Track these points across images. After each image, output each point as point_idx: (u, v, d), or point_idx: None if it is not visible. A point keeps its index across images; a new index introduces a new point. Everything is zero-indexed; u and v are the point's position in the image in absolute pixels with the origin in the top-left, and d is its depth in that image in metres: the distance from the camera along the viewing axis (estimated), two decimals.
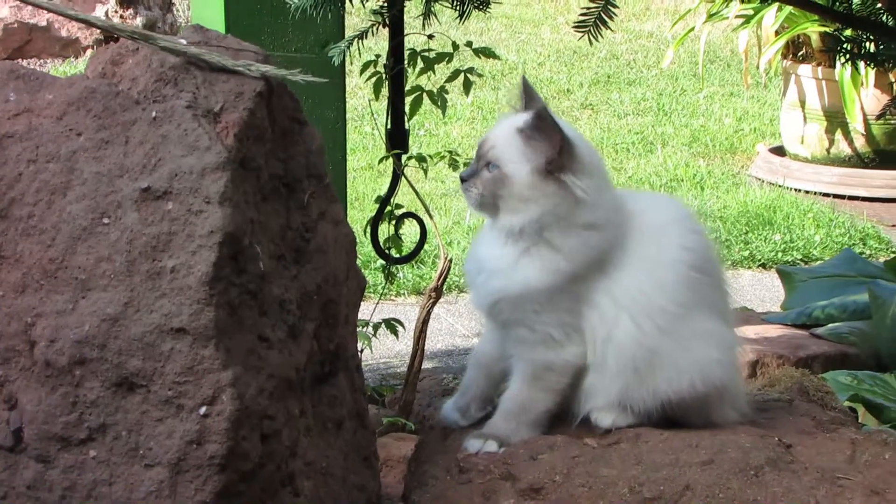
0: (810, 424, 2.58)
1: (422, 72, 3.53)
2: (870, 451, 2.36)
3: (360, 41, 3.11)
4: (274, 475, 2.04)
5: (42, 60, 8.51)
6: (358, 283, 2.35)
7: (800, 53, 7.10)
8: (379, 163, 3.93)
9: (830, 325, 4.02)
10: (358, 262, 2.37)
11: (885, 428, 2.96)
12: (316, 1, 2.98)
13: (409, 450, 2.64)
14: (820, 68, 6.92)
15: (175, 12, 8.94)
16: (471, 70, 3.54)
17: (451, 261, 3.37)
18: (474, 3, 3.04)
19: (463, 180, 2.41)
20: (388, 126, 3.54)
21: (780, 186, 6.88)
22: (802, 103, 7.02)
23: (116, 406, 1.96)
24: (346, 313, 2.29)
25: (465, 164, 3.53)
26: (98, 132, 2.03)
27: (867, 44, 3.37)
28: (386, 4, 3.29)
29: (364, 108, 7.47)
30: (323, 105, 3.71)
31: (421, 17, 3.12)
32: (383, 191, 3.67)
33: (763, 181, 7.02)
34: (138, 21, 8.43)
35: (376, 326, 3.68)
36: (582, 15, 2.89)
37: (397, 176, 3.55)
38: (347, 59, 3.18)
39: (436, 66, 3.52)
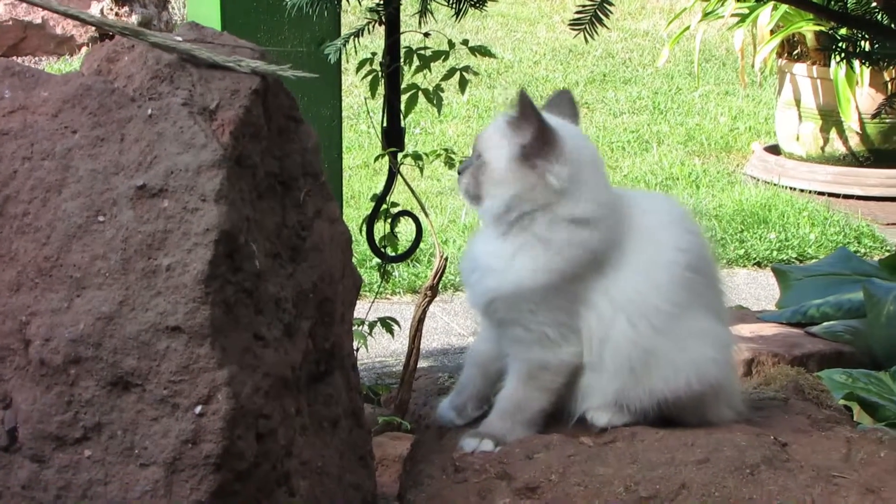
0: (806, 423, 2.58)
1: (418, 70, 3.52)
2: (865, 450, 2.36)
3: (356, 39, 3.11)
4: (269, 474, 2.03)
5: (37, 58, 8.50)
6: (354, 281, 2.34)
7: (795, 52, 7.10)
8: (375, 161, 3.93)
9: (825, 324, 4.02)
10: (354, 260, 2.37)
11: (880, 426, 2.97)
12: None
13: (404, 449, 2.64)
14: (815, 67, 6.93)
15: (170, 10, 8.92)
16: (467, 68, 3.54)
17: (446, 259, 3.37)
18: (470, 1, 3.04)
19: (459, 174, 2.47)
20: (384, 124, 3.53)
21: (775, 185, 6.89)
22: (797, 102, 7.03)
23: (111, 405, 1.96)
24: (341, 312, 2.28)
25: (460, 163, 3.53)
26: (93, 129, 2.03)
27: (862, 42, 3.37)
28: (382, 2, 3.28)
29: (360, 106, 7.46)
30: (319, 103, 3.71)
31: (417, 15, 3.11)
32: (379, 189, 3.66)
33: (758, 180, 7.03)
34: (133, 19, 8.41)
35: (372, 325, 3.68)
36: (577, 13, 2.89)
37: (393, 174, 3.54)
38: (343, 56, 3.18)
39: (432, 64, 3.52)
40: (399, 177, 3.51)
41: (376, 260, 3.80)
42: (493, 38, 9.48)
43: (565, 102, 2.50)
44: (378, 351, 4.52)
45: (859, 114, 6.81)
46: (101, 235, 1.98)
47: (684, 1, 7.80)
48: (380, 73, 3.48)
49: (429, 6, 3.06)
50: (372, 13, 3.23)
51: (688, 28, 7.38)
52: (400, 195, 3.65)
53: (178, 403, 1.95)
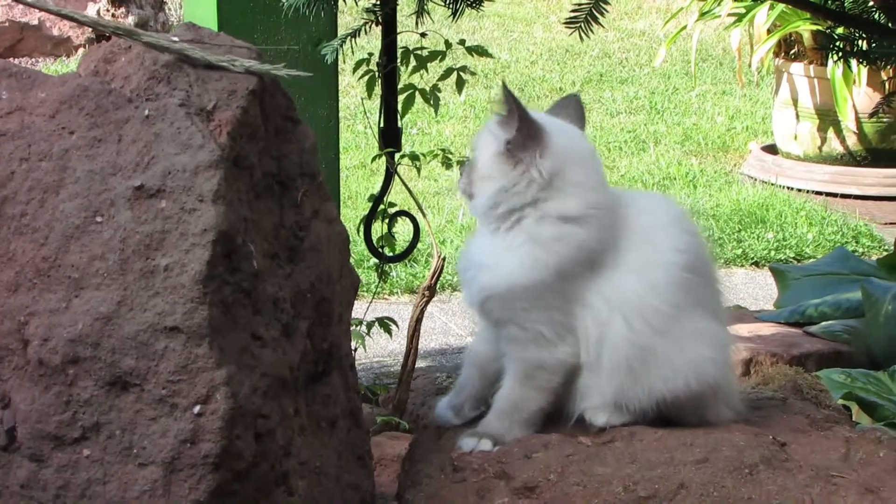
0: (804, 422, 2.58)
1: (414, 70, 3.52)
2: (864, 449, 2.36)
3: (353, 39, 3.11)
4: (268, 474, 2.03)
5: (34, 59, 8.49)
6: (351, 281, 2.34)
7: (792, 52, 7.11)
8: (372, 161, 3.93)
9: (824, 323, 4.02)
10: (351, 260, 2.37)
11: (878, 426, 2.97)
12: None
13: (403, 449, 2.64)
14: (812, 66, 6.93)
15: (167, 11, 8.92)
16: (463, 68, 3.54)
17: (444, 259, 3.37)
18: (467, 1, 3.04)
19: (461, 174, 2.49)
20: (381, 124, 3.53)
21: (772, 185, 6.89)
22: (795, 101, 7.03)
23: (110, 405, 1.96)
24: (339, 312, 2.28)
25: (457, 163, 3.54)
26: (91, 130, 2.03)
27: (859, 42, 3.37)
28: (378, 3, 3.28)
29: (357, 107, 7.46)
30: (316, 103, 3.70)
31: (414, 16, 3.11)
32: (376, 189, 3.66)
33: (755, 179, 7.03)
34: (130, 20, 8.41)
35: (370, 325, 3.68)
36: (573, 11, 2.89)
37: (390, 174, 3.54)
38: (340, 57, 3.18)
39: (428, 64, 3.52)
40: (396, 177, 3.51)
41: (374, 260, 3.80)
42: (489, 39, 9.49)
43: (572, 106, 2.50)
44: (376, 351, 4.52)
45: (856, 113, 6.82)
46: (99, 236, 1.98)
47: (681, 0, 7.80)
48: (376, 74, 3.48)
49: (425, 6, 3.06)
50: (369, 13, 3.22)
51: (684, 28, 7.39)
52: (397, 195, 3.65)
53: (176, 403, 1.94)
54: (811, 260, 5.64)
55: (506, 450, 2.35)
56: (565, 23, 2.91)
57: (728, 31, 7.47)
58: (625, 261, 2.37)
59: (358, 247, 4.10)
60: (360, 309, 3.37)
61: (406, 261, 4.84)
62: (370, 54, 3.50)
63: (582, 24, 2.87)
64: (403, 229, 3.94)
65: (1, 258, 2.00)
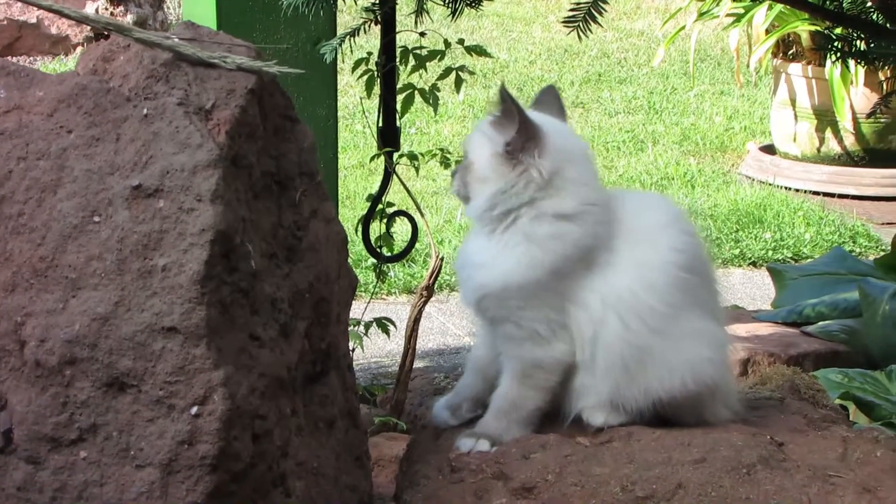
0: (802, 422, 2.58)
1: (413, 69, 3.52)
2: (861, 449, 2.36)
3: (352, 39, 3.10)
4: (265, 475, 2.03)
5: (32, 58, 8.49)
6: (349, 281, 2.34)
7: (790, 52, 7.11)
8: (370, 161, 3.93)
9: (821, 323, 4.02)
10: (349, 260, 2.36)
11: (876, 426, 2.97)
12: None
13: (400, 449, 2.63)
14: (810, 67, 6.94)
15: (166, 9, 8.92)
16: (462, 68, 3.54)
17: (442, 259, 3.36)
18: (466, 0, 3.04)
19: (451, 177, 2.49)
20: (380, 124, 3.53)
21: (770, 185, 6.89)
22: (793, 102, 7.04)
23: (107, 406, 1.95)
24: (337, 312, 2.28)
25: (456, 162, 3.53)
26: (89, 129, 2.02)
27: (857, 42, 3.37)
28: (378, 2, 3.28)
29: (355, 106, 7.46)
30: (314, 103, 3.70)
31: (413, 15, 3.11)
32: (374, 189, 3.66)
33: (753, 179, 7.04)
34: (129, 18, 8.40)
35: (368, 325, 3.67)
36: (571, 10, 2.89)
37: (389, 174, 3.54)
38: (339, 56, 3.17)
39: (427, 63, 3.51)
40: (395, 177, 3.51)
41: (372, 260, 3.79)
42: (488, 38, 9.48)
43: (551, 99, 2.51)
44: (374, 351, 4.51)
45: (854, 113, 6.82)
46: (97, 236, 1.97)
47: (679, 1, 7.80)
48: (375, 73, 3.48)
49: (425, 6, 3.06)
50: (368, 13, 3.22)
51: (683, 28, 7.39)
52: (395, 195, 3.65)
53: (173, 404, 1.94)
54: (809, 260, 5.65)
55: (504, 450, 2.35)
56: (564, 22, 2.90)
57: (726, 31, 7.47)
58: (621, 259, 2.38)
59: (356, 247, 4.10)
60: (357, 309, 3.36)
61: (404, 261, 4.84)
62: (369, 53, 3.49)
63: (580, 24, 2.87)
64: (402, 229, 3.93)
65: None
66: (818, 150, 7.00)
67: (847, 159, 6.95)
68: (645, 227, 2.42)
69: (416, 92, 3.51)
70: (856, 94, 6.76)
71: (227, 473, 1.95)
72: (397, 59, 3.47)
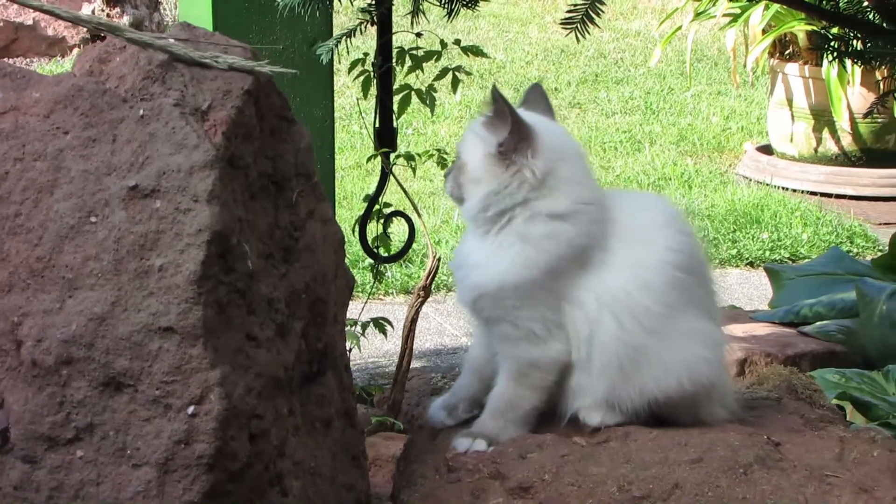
0: (799, 422, 2.58)
1: (410, 70, 3.52)
2: (858, 449, 2.36)
3: (348, 39, 3.10)
4: (262, 475, 2.03)
5: (28, 59, 8.48)
6: (346, 281, 2.34)
7: (787, 52, 7.12)
8: (367, 161, 3.93)
9: (818, 323, 4.03)
10: (346, 260, 2.37)
11: (872, 426, 2.97)
12: None
13: (397, 449, 2.64)
14: (807, 67, 6.94)
15: (162, 11, 8.92)
16: (459, 68, 3.54)
17: (439, 260, 3.37)
18: (462, 1, 3.04)
19: (445, 178, 2.49)
20: (377, 124, 3.53)
21: (767, 185, 6.90)
22: (789, 102, 7.04)
23: (104, 406, 1.96)
24: (334, 312, 2.28)
25: (452, 163, 3.53)
26: (85, 130, 2.02)
27: (854, 42, 3.37)
28: (374, 3, 3.28)
29: (352, 107, 7.46)
30: (311, 103, 3.70)
31: (409, 16, 3.11)
32: (371, 189, 3.66)
33: (750, 180, 7.04)
34: (125, 20, 8.40)
35: (365, 325, 3.68)
36: (569, 12, 2.89)
37: (385, 174, 3.55)
38: (335, 57, 3.18)
39: (424, 64, 3.52)
40: (391, 177, 3.51)
41: (369, 260, 3.80)
42: (485, 39, 9.49)
43: (538, 97, 2.51)
44: (371, 351, 4.52)
45: (851, 113, 6.82)
46: (94, 236, 1.97)
47: (676, 1, 7.81)
48: (372, 74, 3.48)
49: (421, 6, 3.06)
50: (364, 13, 3.22)
51: (679, 28, 7.39)
52: (392, 196, 3.65)
53: (170, 404, 1.94)
54: (806, 260, 5.66)
55: (500, 450, 2.35)
56: (562, 23, 2.90)
57: (723, 31, 7.48)
58: (616, 259, 2.38)
59: (353, 247, 4.10)
60: (355, 309, 3.37)
61: (401, 261, 4.84)
62: (366, 54, 3.50)
63: (578, 25, 2.87)
64: (399, 230, 3.94)
65: None
66: (815, 150, 7.01)
67: (844, 159, 6.96)
68: (642, 227, 2.42)
69: (412, 92, 3.52)
70: (853, 94, 6.77)
71: (223, 473, 1.95)
72: (394, 60, 3.47)
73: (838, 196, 6.78)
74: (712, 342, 2.46)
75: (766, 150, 7.26)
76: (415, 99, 3.53)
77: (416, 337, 3.34)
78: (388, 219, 3.61)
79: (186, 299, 1.94)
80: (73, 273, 1.96)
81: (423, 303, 3.30)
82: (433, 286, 3.49)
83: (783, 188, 6.83)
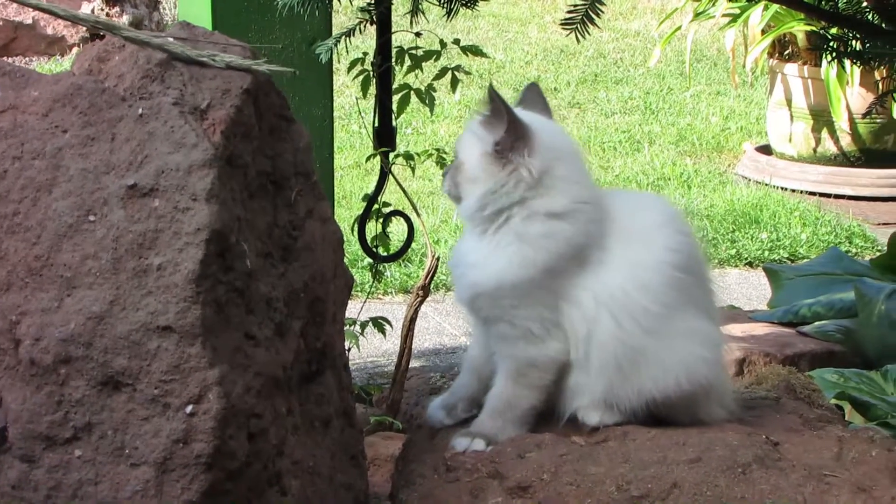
0: (797, 422, 2.58)
1: (409, 70, 3.52)
2: (856, 449, 2.36)
3: (348, 39, 3.10)
4: (261, 474, 2.03)
5: (27, 58, 8.48)
6: (345, 281, 2.34)
7: (786, 52, 7.12)
8: (366, 161, 3.94)
9: (817, 323, 4.03)
10: (345, 260, 2.37)
11: (871, 425, 2.97)
12: None
13: (396, 448, 2.64)
14: (806, 67, 6.94)
15: (161, 10, 8.91)
16: (458, 68, 3.54)
17: (438, 259, 3.37)
18: (461, 1, 3.04)
19: (443, 176, 2.49)
20: (376, 124, 3.53)
21: (766, 185, 6.90)
22: (789, 102, 7.04)
23: (102, 405, 1.96)
24: (333, 311, 2.28)
25: (451, 163, 3.54)
26: (84, 129, 2.02)
27: (853, 42, 3.37)
28: (373, 2, 3.28)
29: (351, 106, 7.46)
30: (310, 103, 3.70)
31: (408, 15, 3.11)
32: (370, 189, 3.66)
33: (750, 180, 7.04)
34: (125, 19, 8.40)
35: (364, 325, 3.68)
36: (569, 12, 2.89)
37: (385, 174, 3.55)
38: (335, 56, 3.18)
39: (423, 63, 3.52)
40: (391, 177, 3.51)
41: (368, 260, 3.80)
42: (484, 38, 9.49)
43: (535, 96, 2.51)
44: (370, 351, 4.52)
45: (850, 113, 6.83)
46: (92, 235, 1.97)
47: (675, 1, 7.82)
48: (371, 73, 3.48)
49: (420, 6, 3.06)
50: (363, 13, 3.22)
51: (679, 28, 7.39)
52: (391, 195, 3.65)
53: (168, 403, 1.94)
54: (805, 260, 5.66)
55: (499, 449, 2.35)
56: (562, 23, 2.90)
57: (722, 31, 7.48)
58: (614, 258, 2.38)
59: (352, 246, 4.10)
60: (354, 309, 3.37)
61: (400, 260, 4.84)
62: (365, 54, 3.50)
63: (578, 25, 2.87)
64: (398, 229, 3.94)
65: None
66: (814, 150, 7.01)
67: (843, 159, 6.96)
68: (640, 226, 2.42)
69: (412, 92, 3.52)
70: (852, 95, 6.77)
71: (222, 472, 1.95)
72: (393, 60, 3.47)
73: (837, 196, 6.79)
74: (711, 342, 2.46)
75: (765, 150, 7.26)
76: (414, 98, 3.53)
77: (414, 336, 3.34)
78: (387, 218, 3.61)
79: (185, 298, 1.94)
80: (71, 272, 1.96)
81: (422, 302, 3.30)
82: (432, 285, 3.49)
83: (782, 188, 6.83)
